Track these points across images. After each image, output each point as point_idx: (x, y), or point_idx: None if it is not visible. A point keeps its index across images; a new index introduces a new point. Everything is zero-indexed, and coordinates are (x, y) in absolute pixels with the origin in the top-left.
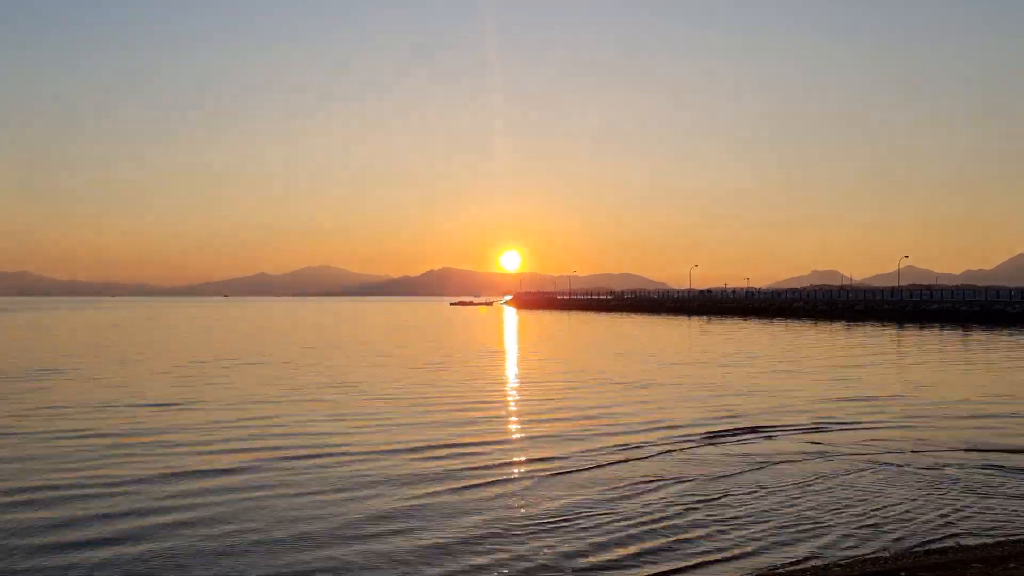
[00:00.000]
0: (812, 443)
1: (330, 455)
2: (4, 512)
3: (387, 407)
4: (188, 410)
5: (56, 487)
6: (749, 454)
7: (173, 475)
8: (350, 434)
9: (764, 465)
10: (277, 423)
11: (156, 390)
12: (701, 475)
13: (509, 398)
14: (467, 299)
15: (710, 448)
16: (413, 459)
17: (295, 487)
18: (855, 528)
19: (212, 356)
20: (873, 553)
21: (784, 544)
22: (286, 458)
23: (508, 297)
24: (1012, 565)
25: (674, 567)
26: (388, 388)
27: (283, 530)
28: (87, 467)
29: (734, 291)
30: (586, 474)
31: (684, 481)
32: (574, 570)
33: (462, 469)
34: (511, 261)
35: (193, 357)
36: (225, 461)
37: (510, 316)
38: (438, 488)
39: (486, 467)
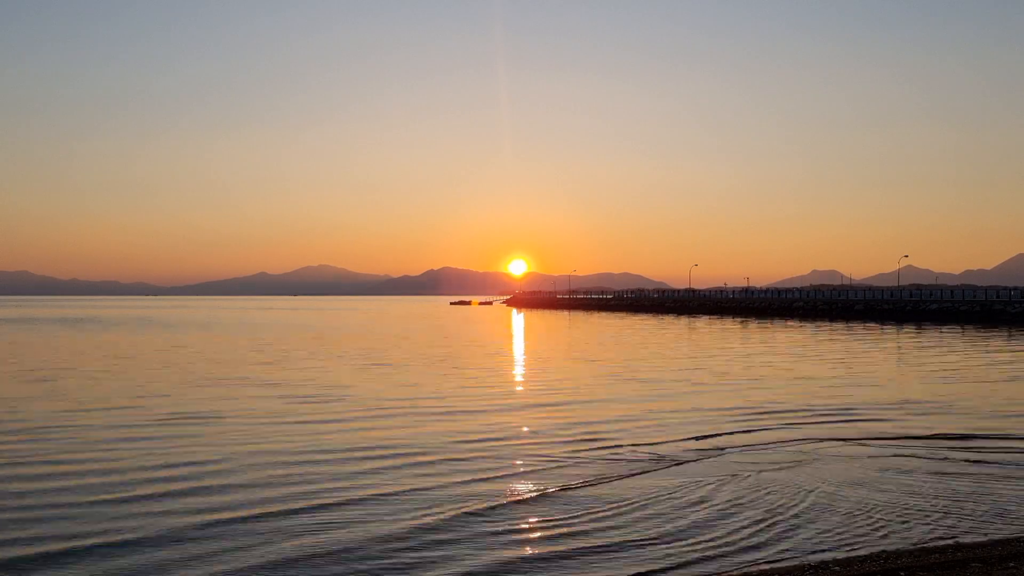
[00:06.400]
0: (806, 442)
1: None
2: None
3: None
4: None
5: None
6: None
7: None
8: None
9: (752, 464)
10: None
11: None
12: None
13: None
14: (466, 299)
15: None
16: None
17: None
18: (852, 526)
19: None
20: (872, 552)
21: (782, 543)
22: None
23: (507, 297)
24: (1012, 565)
25: (658, 567)
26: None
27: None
28: None
29: (734, 291)
30: None
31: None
32: None
33: None
34: (517, 267)
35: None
36: None
37: (511, 319)
38: None
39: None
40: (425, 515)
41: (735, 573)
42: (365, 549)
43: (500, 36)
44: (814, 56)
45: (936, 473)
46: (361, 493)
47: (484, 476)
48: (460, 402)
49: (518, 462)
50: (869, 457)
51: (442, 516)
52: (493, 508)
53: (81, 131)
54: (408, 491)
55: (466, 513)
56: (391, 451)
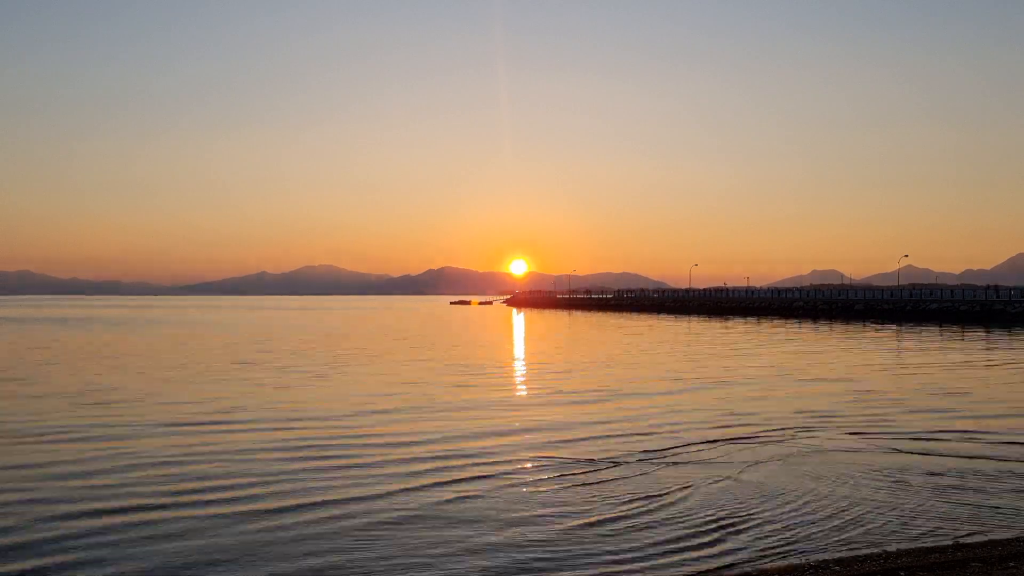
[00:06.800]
0: (802, 440)
1: None
2: None
3: None
4: None
5: None
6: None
7: None
8: None
9: (746, 466)
10: None
11: None
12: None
13: None
14: (466, 299)
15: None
16: None
17: None
18: (852, 525)
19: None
20: (872, 551)
21: (781, 542)
22: None
23: (507, 296)
24: (1012, 564)
25: (653, 564)
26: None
27: None
28: None
29: (733, 291)
30: None
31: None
32: None
33: None
34: (518, 267)
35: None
36: None
37: (520, 319)
38: None
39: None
40: None
41: (734, 572)
42: None
43: (500, 36)
44: (814, 56)
45: (934, 472)
46: None
47: None
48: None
49: None
50: (868, 454)
51: None
52: None
53: (81, 131)
54: None
55: None
56: None
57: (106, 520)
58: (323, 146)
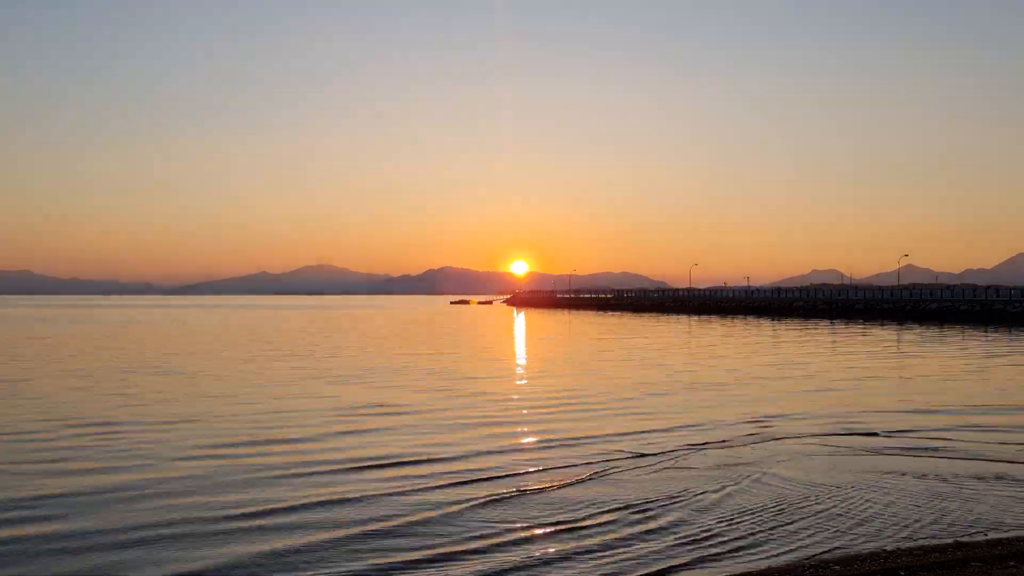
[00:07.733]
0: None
1: None
2: None
3: None
4: None
5: None
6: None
7: None
8: None
9: (739, 463)
10: None
11: None
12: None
13: None
14: (466, 299)
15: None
16: None
17: None
18: (849, 525)
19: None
20: (872, 551)
21: (780, 542)
22: None
23: (507, 296)
24: (1012, 564)
25: (659, 567)
26: None
27: None
28: None
29: (734, 290)
30: None
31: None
32: None
33: None
34: (519, 267)
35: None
36: None
37: (506, 319)
38: None
39: None
40: None
41: (734, 572)
42: None
43: (501, 37)
44: (814, 56)
45: (935, 471)
46: None
47: None
48: None
49: None
50: (867, 455)
51: None
52: None
53: (82, 132)
54: None
55: None
56: None
57: None
58: (323, 146)
